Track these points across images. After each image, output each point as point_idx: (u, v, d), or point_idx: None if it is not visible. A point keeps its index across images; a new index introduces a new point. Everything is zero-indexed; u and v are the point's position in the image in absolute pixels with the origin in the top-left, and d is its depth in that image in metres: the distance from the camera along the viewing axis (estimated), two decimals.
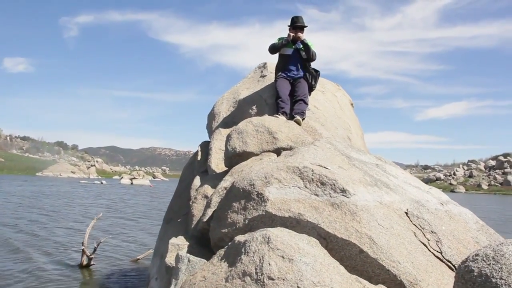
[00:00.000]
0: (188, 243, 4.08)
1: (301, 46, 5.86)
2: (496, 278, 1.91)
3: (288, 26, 5.93)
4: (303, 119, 5.38)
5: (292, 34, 5.84)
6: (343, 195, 3.15)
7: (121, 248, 11.02)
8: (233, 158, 4.70)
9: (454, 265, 3.00)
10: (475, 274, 2.00)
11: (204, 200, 4.52)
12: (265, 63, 7.25)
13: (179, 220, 5.44)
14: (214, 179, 4.87)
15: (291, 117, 5.36)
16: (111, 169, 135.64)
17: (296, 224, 3.05)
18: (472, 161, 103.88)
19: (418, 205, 3.49)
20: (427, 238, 3.14)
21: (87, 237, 8.97)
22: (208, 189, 4.66)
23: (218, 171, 5.19)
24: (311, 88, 5.93)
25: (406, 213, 3.32)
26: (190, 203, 4.79)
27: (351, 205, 3.07)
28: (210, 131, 6.47)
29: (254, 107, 6.03)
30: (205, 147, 6.17)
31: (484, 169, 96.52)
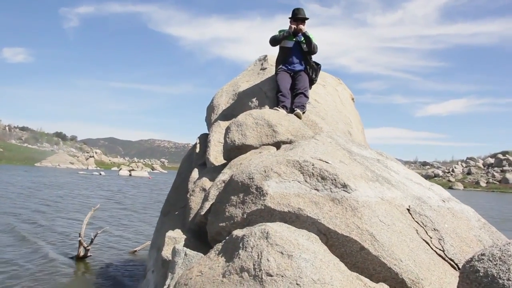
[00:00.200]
0: (185, 237, 4.02)
1: (302, 38, 5.78)
2: (503, 279, 1.84)
3: (289, 18, 5.84)
4: (303, 113, 5.31)
5: (293, 26, 5.75)
6: (344, 190, 3.07)
7: (119, 240, 10.99)
8: (232, 151, 4.63)
9: (456, 264, 2.94)
10: (481, 274, 1.93)
11: (202, 193, 4.45)
12: (266, 56, 7.17)
13: (176, 213, 5.38)
14: (212, 172, 4.80)
15: (291, 110, 5.29)
16: (109, 160, 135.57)
17: (296, 219, 2.98)
18: (471, 158, 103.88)
19: (420, 202, 3.42)
20: (429, 236, 3.07)
21: (84, 229, 8.92)
22: (206, 182, 4.60)
23: (216, 164, 5.12)
24: (312, 82, 5.86)
25: (408, 209, 3.26)
26: (188, 195, 4.73)
27: (352, 201, 3.00)
28: (209, 123, 6.39)
29: (254, 100, 5.95)
30: (204, 139, 6.10)
31: (482, 167, 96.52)
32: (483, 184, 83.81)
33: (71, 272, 7.66)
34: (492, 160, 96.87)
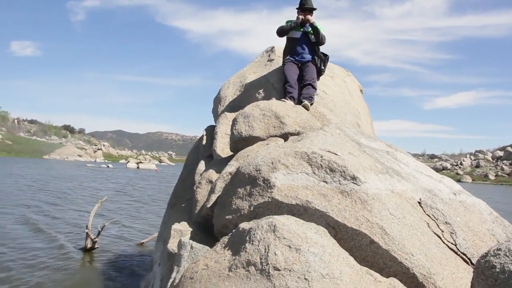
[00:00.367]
0: (191, 229, 3.97)
1: (310, 29, 5.67)
2: None
3: (297, 8, 5.74)
4: (311, 104, 5.22)
5: (300, 17, 5.65)
6: (353, 182, 3.00)
7: (127, 231, 11.03)
8: (239, 142, 4.57)
9: (469, 258, 2.86)
10: (497, 270, 1.86)
11: (209, 185, 4.39)
12: (273, 47, 7.08)
13: (183, 205, 5.34)
14: (219, 164, 4.74)
15: (299, 102, 5.21)
16: (117, 153, 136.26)
17: (304, 212, 2.92)
18: (480, 151, 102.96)
19: (431, 195, 3.34)
20: (441, 229, 2.99)
21: (91, 221, 8.95)
22: (212, 174, 4.54)
23: (223, 155, 5.06)
24: (319, 73, 5.76)
25: (419, 202, 3.18)
26: (194, 188, 4.67)
27: (362, 193, 2.92)
28: (216, 115, 6.33)
29: (261, 91, 5.87)
30: (211, 131, 6.04)
31: (491, 160, 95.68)
32: (491, 177, 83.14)
33: (76, 264, 7.69)
34: (501, 153, 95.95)
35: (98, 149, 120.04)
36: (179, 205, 5.52)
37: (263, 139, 4.44)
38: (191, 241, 3.43)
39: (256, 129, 4.47)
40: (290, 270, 2.27)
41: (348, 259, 2.48)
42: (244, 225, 2.75)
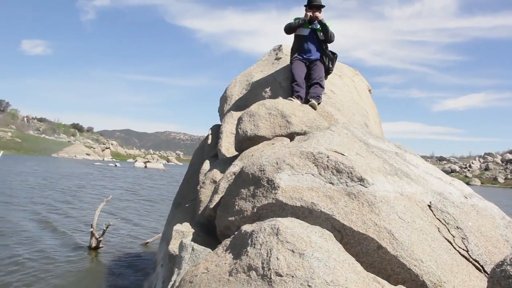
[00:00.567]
0: (194, 230, 3.88)
1: (318, 26, 5.55)
2: None
3: (305, 5, 5.62)
4: (318, 103, 5.10)
5: (309, 14, 5.53)
6: (360, 184, 2.88)
7: (133, 231, 10.98)
8: (244, 142, 4.47)
9: (482, 266, 2.73)
10: None
11: (212, 185, 4.30)
12: (280, 45, 6.97)
13: (187, 205, 5.25)
14: (223, 163, 4.65)
15: (306, 101, 5.09)
16: (125, 152, 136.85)
17: (309, 215, 2.80)
18: (489, 154, 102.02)
19: (442, 198, 3.21)
20: (452, 235, 2.86)
21: (96, 220, 8.91)
22: (217, 174, 4.45)
23: (228, 155, 4.96)
24: (327, 71, 5.64)
25: (429, 206, 3.05)
26: (198, 188, 4.58)
27: (369, 196, 2.81)
28: (222, 114, 6.24)
29: (267, 90, 5.77)
30: (216, 130, 5.96)
31: (501, 162, 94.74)
32: (501, 180, 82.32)
33: (80, 262, 7.64)
34: (511, 156, 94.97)
35: (106, 148, 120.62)
36: (184, 205, 5.44)
37: (268, 139, 4.34)
38: (192, 243, 3.33)
39: (261, 128, 4.37)
40: (292, 276, 2.16)
41: (354, 265, 2.37)
42: (247, 228, 2.65)
